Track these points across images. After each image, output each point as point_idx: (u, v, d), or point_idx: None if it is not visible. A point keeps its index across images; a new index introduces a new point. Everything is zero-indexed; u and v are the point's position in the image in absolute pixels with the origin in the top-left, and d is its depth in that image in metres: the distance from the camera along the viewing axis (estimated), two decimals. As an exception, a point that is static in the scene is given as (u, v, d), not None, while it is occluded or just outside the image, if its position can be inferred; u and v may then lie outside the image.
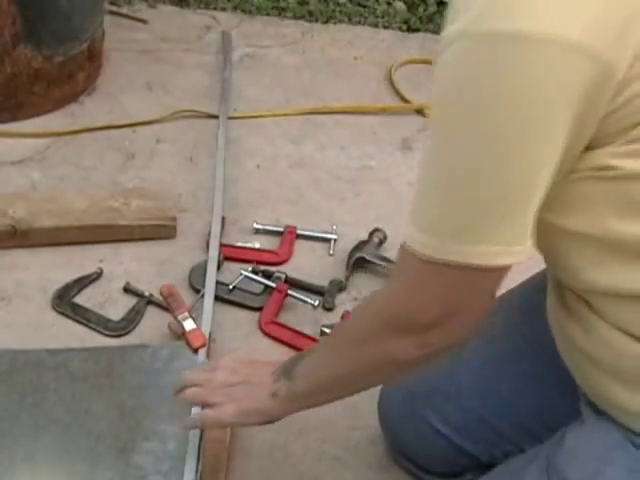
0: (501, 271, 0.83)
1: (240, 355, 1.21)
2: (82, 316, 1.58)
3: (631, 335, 0.88)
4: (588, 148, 0.80)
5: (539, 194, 0.79)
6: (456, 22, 0.74)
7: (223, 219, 1.78)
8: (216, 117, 2.10)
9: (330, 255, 1.75)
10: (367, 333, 0.94)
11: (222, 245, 1.72)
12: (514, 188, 0.78)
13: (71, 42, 2.06)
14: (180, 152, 2.02)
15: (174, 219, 1.78)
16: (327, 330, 1.56)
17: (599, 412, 0.97)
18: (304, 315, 1.62)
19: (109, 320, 1.58)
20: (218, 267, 1.66)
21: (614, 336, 0.89)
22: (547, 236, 0.89)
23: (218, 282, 1.62)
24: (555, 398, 1.03)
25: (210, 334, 1.48)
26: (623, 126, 0.78)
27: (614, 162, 0.79)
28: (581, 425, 0.99)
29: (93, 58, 2.17)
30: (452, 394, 1.21)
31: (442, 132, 0.80)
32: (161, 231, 1.77)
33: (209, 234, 1.74)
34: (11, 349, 1.46)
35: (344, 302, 1.66)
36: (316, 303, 1.63)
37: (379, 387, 1.31)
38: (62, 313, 1.59)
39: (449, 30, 0.75)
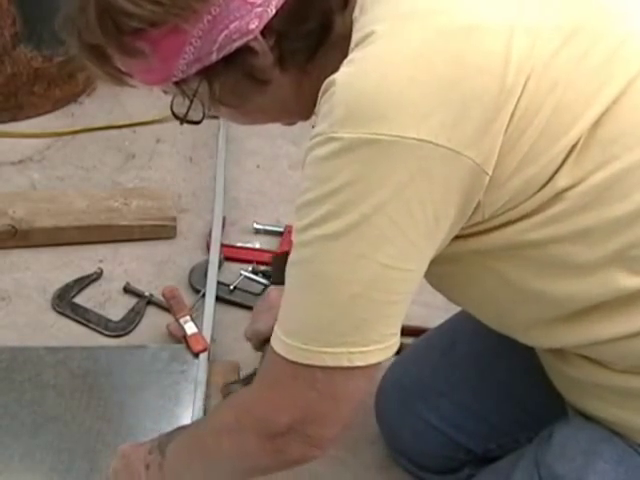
0: (363, 372, 0.80)
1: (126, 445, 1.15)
2: (82, 316, 1.58)
3: (595, 361, 0.90)
4: (498, 227, 0.81)
5: (406, 295, 0.80)
6: (323, 124, 0.76)
7: (223, 219, 1.78)
8: (216, 117, 2.09)
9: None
10: (225, 427, 0.92)
11: (222, 245, 1.72)
12: (374, 292, 0.77)
13: (71, 42, 2.06)
14: (180, 152, 2.03)
15: (174, 219, 1.78)
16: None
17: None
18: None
19: (109, 320, 1.57)
20: (218, 267, 1.66)
21: (582, 363, 0.92)
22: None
23: (218, 282, 1.62)
24: (544, 390, 1.04)
25: (212, 337, 1.48)
26: (534, 207, 0.79)
27: (532, 236, 0.80)
28: (567, 423, 1.00)
29: (93, 58, 2.18)
30: (446, 390, 1.22)
31: (306, 233, 0.79)
32: (161, 231, 1.77)
33: (209, 234, 1.74)
34: (11, 346, 1.46)
35: (344, 302, 1.66)
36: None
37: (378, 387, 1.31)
38: (62, 313, 1.59)
39: (316, 131, 0.77)
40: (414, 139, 0.73)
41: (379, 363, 0.81)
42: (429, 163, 0.73)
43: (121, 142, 2.05)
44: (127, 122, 2.10)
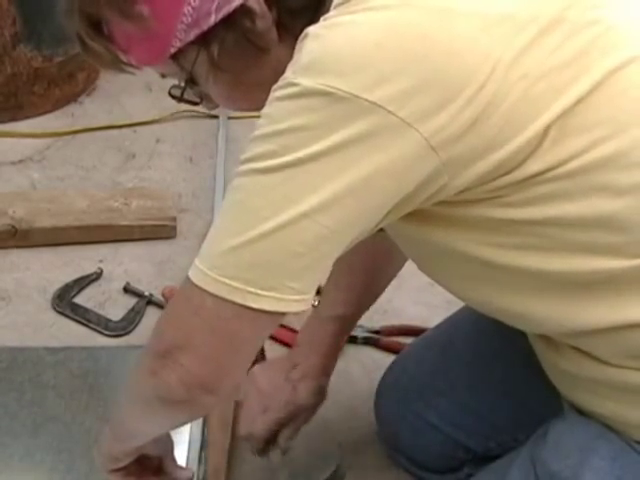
0: (252, 316, 0.78)
1: None
2: (82, 316, 1.58)
3: (587, 354, 0.90)
4: (471, 202, 0.80)
5: (317, 254, 0.78)
6: (289, 71, 0.78)
7: (223, 219, 1.78)
8: (216, 117, 2.10)
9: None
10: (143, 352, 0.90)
11: (222, 245, 1.72)
12: (284, 237, 0.76)
13: (71, 42, 2.05)
14: (180, 152, 2.03)
15: (174, 219, 1.78)
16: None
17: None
18: (304, 315, 1.61)
19: (109, 320, 1.57)
20: (218, 267, 1.66)
21: (575, 355, 0.92)
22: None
23: (218, 282, 1.62)
24: (543, 388, 1.04)
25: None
26: (502, 188, 0.78)
27: (499, 215, 0.80)
28: (563, 419, 1.00)
29: (93, 58, 2.18)
30: (445, 389, 1.22)
31: (244, 165, 0.78)
32: (161, 231, 1.77)
33: (209, 234, 1.74)
34: (11, 347, 1.46)
35: (344, 302, 1.66)
36: (316, 303, 1.63)
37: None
38: (62, 313, 1.59)
39: (283, 76, 0.78)
40: (367, 101, 0.73)
41: (271, 314, 0.78)
42: (377, 129, 0.73)
43: (121, 142, 2.05)
44: (127, 122, 2.10)
